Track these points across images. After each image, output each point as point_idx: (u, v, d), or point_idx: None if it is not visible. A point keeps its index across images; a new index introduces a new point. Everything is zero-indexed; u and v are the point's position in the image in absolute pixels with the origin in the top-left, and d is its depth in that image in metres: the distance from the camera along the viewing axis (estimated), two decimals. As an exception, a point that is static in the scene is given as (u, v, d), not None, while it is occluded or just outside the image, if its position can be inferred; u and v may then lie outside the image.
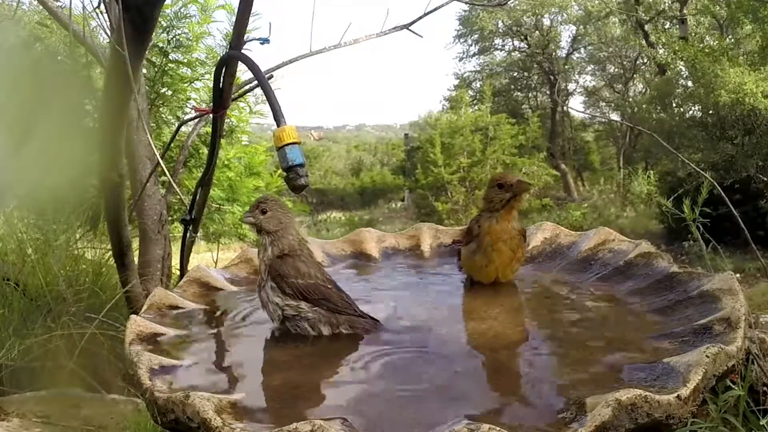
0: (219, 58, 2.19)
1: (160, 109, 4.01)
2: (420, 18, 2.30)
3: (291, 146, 1.19)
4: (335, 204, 16.91)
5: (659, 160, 9.94)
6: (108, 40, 2.13)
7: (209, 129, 2.02)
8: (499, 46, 16.25)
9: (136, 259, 2.33)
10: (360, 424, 0.76)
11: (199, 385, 0.88)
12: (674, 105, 9.72)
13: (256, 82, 2.09)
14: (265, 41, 1.68)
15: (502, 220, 1.21)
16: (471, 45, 16.12)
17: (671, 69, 10.50)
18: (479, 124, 12.27)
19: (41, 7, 2.57)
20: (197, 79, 4.07)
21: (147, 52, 2.40)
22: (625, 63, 14.92)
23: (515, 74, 16.35)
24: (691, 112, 9.05)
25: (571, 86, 16.31)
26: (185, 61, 3.97)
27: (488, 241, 1.21)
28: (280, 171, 4.07)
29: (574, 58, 15.74)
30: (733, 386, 0.97)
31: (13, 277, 2.01)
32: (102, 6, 2.16)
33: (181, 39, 3.86)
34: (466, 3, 3.67)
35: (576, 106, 16.64)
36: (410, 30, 2.29)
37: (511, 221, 1.21)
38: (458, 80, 16.44)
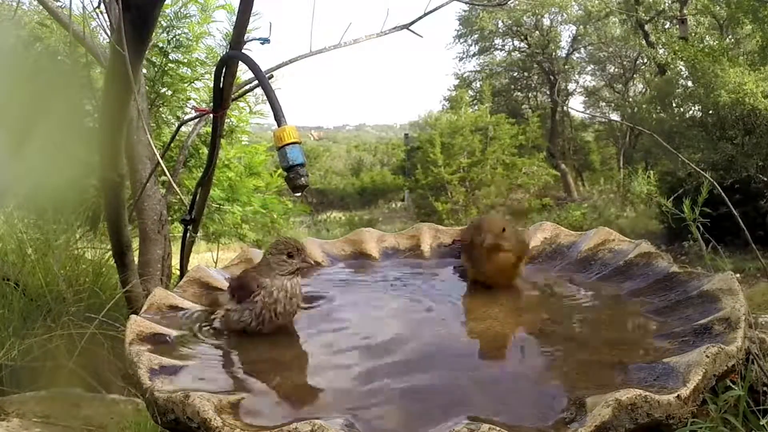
0: (219, 58, 2.19)
1: (160, 109, 4.01)
2: (420, 18, 2.30)
3: (291, 146, 1.19)
4: (335, 204, 16.91)
5: (659, 160, 9.93)
6: (108, 40, 2.13)
7: (209, 129, 2.02)
8: (499, 46, 16.26)
9: (136, 259, 2.33)
10: (360, 425, 0.76)
11: (199, 385, 0.88)
12: (674, 105, 9.73)
13: (256, 82, 2.09)
14: (265, 41, 1.68)
15: (493, 262, 1.20)
16: (471, 45, 16.13)
17: (671, 69, 10.51)
18: (479, 124, 12.27)
19: (41, 7, 2.57)
20: (197, 79, 4.07)
21: (147, 52, 2.39)
22: (625, 63, 14.93)
23: (515, 74, 16.35)
24: (691, 112, 9.05)
25: (571, 86, 16.33)
26: (185, 61, 3.97)
27: (490, 273, 1.23)
28: (280, 171, 4.08)
29: (574, 58, 15.74)
30: (733, 386, 0.98)
31: (13, 277, 2.01)
32: (102, 6, 2.15)
33: (181, 39, 3.87)
34: (466, 3, 3.68)
35: (576, 106, 16.66)
36: (410, 30, 2.28)
37: (505, 261, 1.20)
38: (458, 80, 16.45)
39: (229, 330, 1.09)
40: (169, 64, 3.88)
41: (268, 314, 1.06)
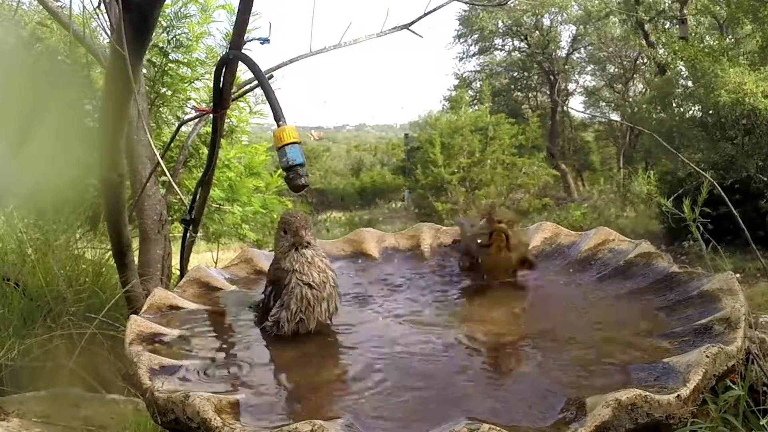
0: (219, 58, 2.19)
1: (160, 109, 4.01)
2: (420, 18, 2.30)
3: (291, 146, 1.19)
4: (335, 204, 16.89)
5: (659, 160, 9.93)
6: (108, 40, 2.13)
7: (209, 129, 2.02)
8: (499, 46, 16.26)
9: (136, 259, 2.33)
10: (360, 424, 0.76)
11: (199, 385, 0.88)
12: (674, 105, 9.73)
13: (256, 82, 2.09)
14: (265, 41, 1.68)
15: (495, 253, 1.21)
16: (471, 45, 16.13)
17: (671, 69, 10.51)
18: (479, 124, 12.27)
19: (41, 7, 2.57)
20: (197, 79, 4.06)
21: (147, 52, 2.39)
22: (625, 63, 14.92)
23: (515, 74, 16.35)
24: (691, 112, 9.05)
25: (571, 86, 16.32)
26: (185, 61, 3.96)
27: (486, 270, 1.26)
28: (280, 171, 4.07)
29: (574, 58, 15.74)
30: (733, 386, 0.97)
31: (13, 277, 2.01)
32: (102, 6, 2.15)
33: (181, 39, 3.86)
34: (466, 3, 3.68)
35: (576, 106, 16.64)
36: (410, 30, 2.29)
37: (505, 251, 1.21)
38: (458, 80, 16.44)
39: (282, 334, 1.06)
40: (169, 64, 3.88)
41: (301, 295, 1.03)
